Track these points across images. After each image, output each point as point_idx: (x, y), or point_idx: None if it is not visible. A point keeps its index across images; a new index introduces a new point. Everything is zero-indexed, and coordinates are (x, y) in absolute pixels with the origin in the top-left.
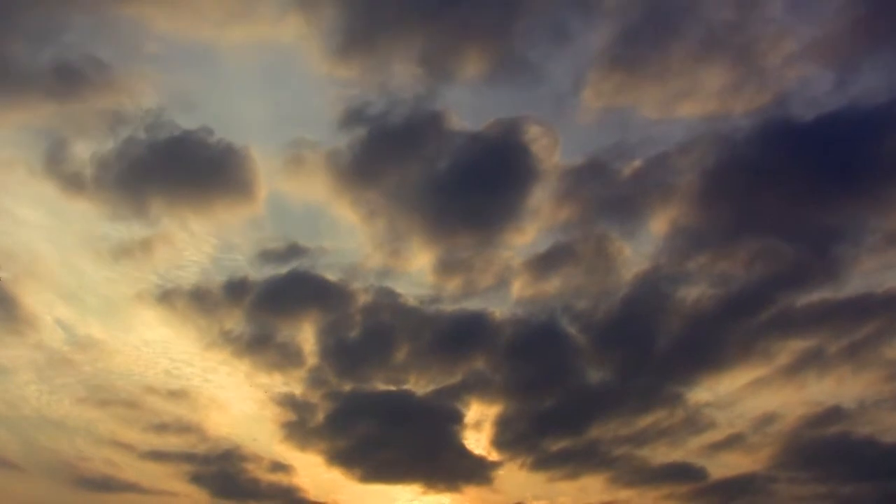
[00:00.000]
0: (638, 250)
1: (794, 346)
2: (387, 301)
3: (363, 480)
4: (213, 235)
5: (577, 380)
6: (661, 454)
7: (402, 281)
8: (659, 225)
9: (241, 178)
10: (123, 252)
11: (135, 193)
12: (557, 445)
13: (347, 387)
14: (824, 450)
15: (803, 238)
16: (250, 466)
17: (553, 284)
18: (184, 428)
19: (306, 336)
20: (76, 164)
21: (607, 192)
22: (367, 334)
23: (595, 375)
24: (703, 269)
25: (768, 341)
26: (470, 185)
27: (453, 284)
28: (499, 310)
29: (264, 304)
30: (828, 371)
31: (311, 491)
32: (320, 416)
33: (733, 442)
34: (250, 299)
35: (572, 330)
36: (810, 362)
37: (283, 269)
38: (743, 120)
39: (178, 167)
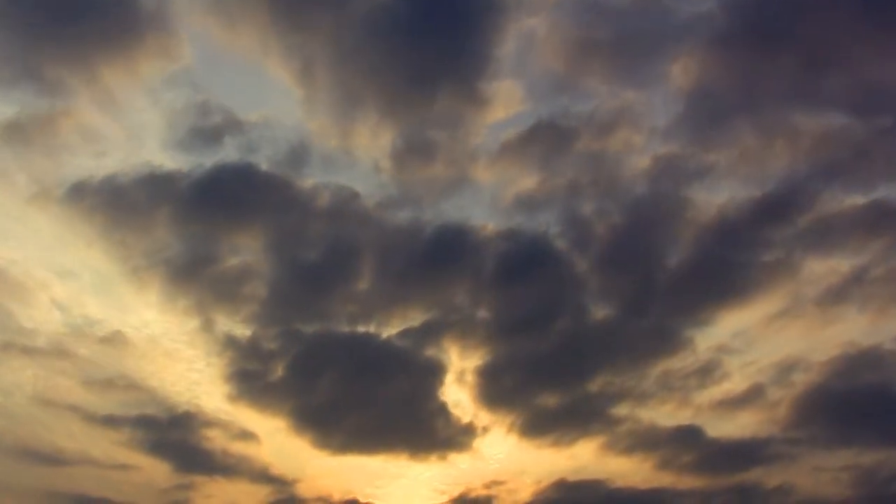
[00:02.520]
0: (652, 129)
1: (831, 267)
2: (346, 207)
3: (337, 451)
4: (123, 106)
5: (574, 318)
6: (665, 414)
7: (356, 172)
8: (678, 80)
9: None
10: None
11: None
12: (549, 402)
13: (309, 328)
14: (856, 404)
15: (862, 105)
16: (211, 433)
17: (542, 177)
18: (130, 385)
19: (254, 255)
20: None
21: (610, 34)
22: (324, 251)
23: (596, 312)
24: (727, 149)
25: (800, 261)
26: (427, 22)
27: (418, 177)
28: (477, 219)
29: (198, 208)
30: (869, 300)
31: (276, 465)
32: (280, 369)
33: (749, 397)
34: (181, 204)
35: (566, 245)
36: (848, 289)
37: (217, 155)
38: None
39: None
